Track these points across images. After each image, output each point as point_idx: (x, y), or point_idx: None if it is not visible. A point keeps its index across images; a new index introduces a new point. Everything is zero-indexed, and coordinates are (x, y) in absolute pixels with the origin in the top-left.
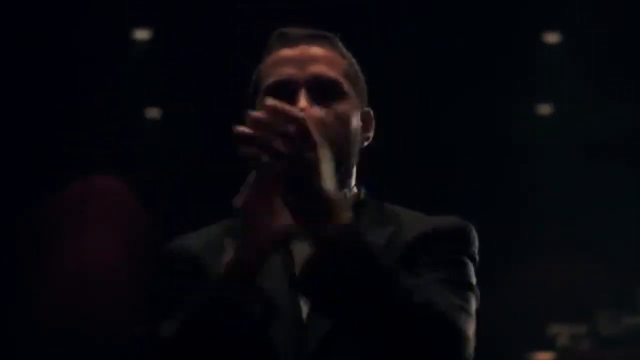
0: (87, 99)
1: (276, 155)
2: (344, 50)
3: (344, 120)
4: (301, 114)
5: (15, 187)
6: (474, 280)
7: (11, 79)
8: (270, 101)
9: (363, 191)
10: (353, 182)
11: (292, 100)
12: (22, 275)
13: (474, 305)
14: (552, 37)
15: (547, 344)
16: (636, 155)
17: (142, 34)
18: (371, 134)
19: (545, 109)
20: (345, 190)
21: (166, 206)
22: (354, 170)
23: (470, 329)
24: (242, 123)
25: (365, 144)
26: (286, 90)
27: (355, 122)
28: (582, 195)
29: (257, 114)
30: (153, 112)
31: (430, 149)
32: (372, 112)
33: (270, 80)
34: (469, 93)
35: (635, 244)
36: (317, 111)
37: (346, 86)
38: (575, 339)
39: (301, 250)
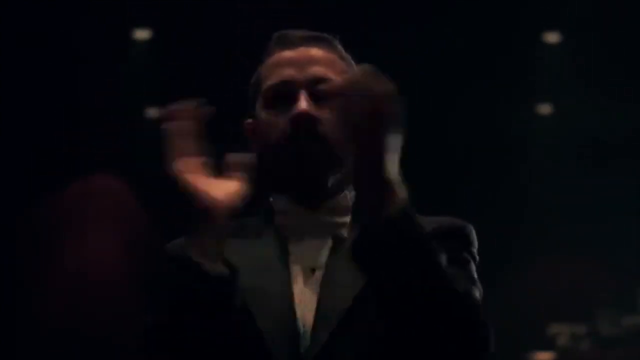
0: (87, 99)
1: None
2: (343, 51)
3: None
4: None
5: (15, 187)
6: (476, 277)
7: (11, 79)
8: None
9: None
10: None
11: (292, 101)
12: (22, 275)
13: (479, 300)
14: (552, 37)
15: (547, 344)
16: (636, 155)
17: (142, 34)
18: None
19: (545, 109)
20: (346, 191)
21: (166, 206)
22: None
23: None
24: (243, 122)
25: None
26: (286, 92)
27: None
28: (582, 195)
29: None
30: (153, 112)
31: (430, 149)
32: None
33: (270, 82)
34: (469, 93)
35: (636, 244)
36: (321, 113)
37: None
38: (575, 338)
39: (302, 249)
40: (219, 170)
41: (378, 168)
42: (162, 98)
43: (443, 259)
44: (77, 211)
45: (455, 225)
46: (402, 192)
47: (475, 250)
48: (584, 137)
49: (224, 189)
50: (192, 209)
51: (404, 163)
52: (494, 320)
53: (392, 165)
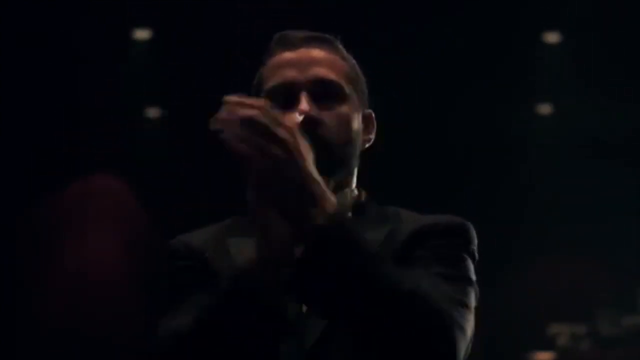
0: (87, 99)
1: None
2: (345, 52)
3: (345, 122)
4: (289, 122)
5: (15, 187)
6: (473, 276)
7: (11, 79)
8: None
9: (364, 193)
10: (354, 184)
11: (294, 103)
12: (22, 275)
13: (472, 299)
14: (552, 37)
15: (547, 344)
16: (636, 155)
17: (142, 34)
18: (372, 136)
19: (545, 109)
20: (346, 190)
21: (166, 206)
22: (355, 172)
23: (467, 321)
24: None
25: (367, 145)
26: (287, 93)
27: (357, 124)
28: (582, 195)
29: (247, 112)
30: (153, 112)
31: (430, 149)
32: (373, 115)
33: (272, 83)
34: (470, 93)
35: (636, 244)
36: (322, 114)
37: (347, 88)
38: (575, 338)
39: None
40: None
41: (300, 183)
42: (162, 98)
43: (387, 259)
44: (77, 211)
45: (453, 222)
46: (329, 200)
47: (474, 248)
48: (584, 137)
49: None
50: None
51: (404, 163)
52: (494, 320)
53: (312, 174)
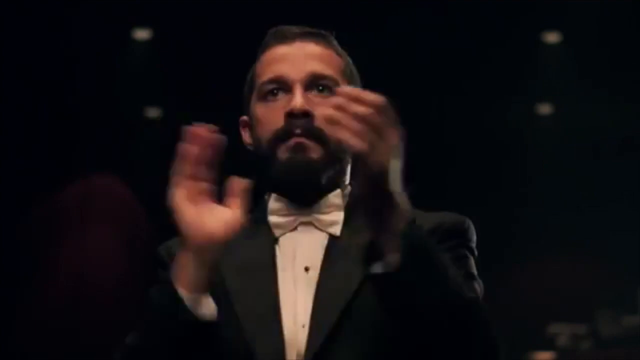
0: (86, 99)
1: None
2: (340, 48)
3: None
4: (383, 101)
5: (14, 187)
6: (476, 272)
7: (10, 79)
8: (348, 89)
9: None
10: (347, 180)
11: (288, 96)
12: (21, 276)
13: (480, 297)
14: (552, 37)
15: (547, 344)
16: (636, 154)
17: (141, 34)
18: None
19: (545, 109)
20: (340, 187)
21: (165, 206)
22: (348, 168)
23: None
24: (242, 117)
25: None
26: (282, 87)
27: None
28: (582, 195)
29: (337, 99)
30: (152, 112)
31: (429, 149)
32: None
33: (266, 77)
34: (468, 92)
35: (636, 243)
36: (316, 109)
37: (343, 84)
38: (575, 338)
39: (294, 247)
40: (220, 193)
41: (389, 181)
42: (161, 98)
43: (451, 266)
44: (77, 211)
45: (454, 220)
46: (405, 203)
47: (474, 244)
48: (584, 137)
49: (221, 218)
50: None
51: (402, 162)
52: (493, 319)
53: (397, 177)
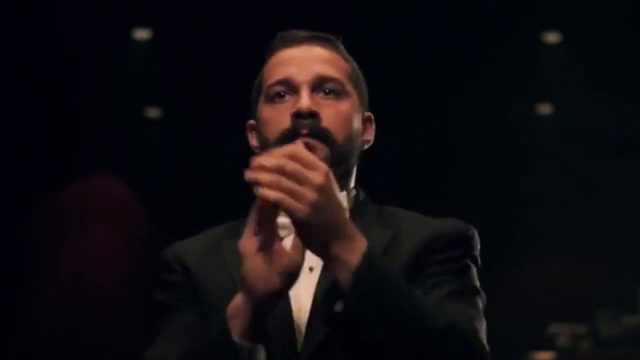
0: (86, 99)
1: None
2: (346, 53)
3: (346, 119)
4: (325, 167)
5: (13, 187)
6: (478, 283)
7: (10, 79)
8: (291, 148)
9: (361, 193)
10: (352, 184)
11: (295, 98)
12: (21, 276)
13: (482, 308)
14: (552, 37)
15: (547, 344)
16: (636, 154)
17: (141, 34)
18: (371, 139)
19: (544, 109)
20: (344, 191)
21: (166, 206)
22: (354, 172)
23: (485, 337)
24: (249, 120)
25: (365, 147)
26: (289, 89)
27: (357, 123)
28: (582, 195)
29: (273, 161)
30: (152, 112)
31: (429, 150)
32: (373, 117)
33: (274, 79)
34: (468, 92)
35: (636, 243)
36: (323, 111)
37: (348, 87)
38: (575, 338)
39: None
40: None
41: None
42: (161, 98)
43: (420, 299)
44: (77, 211)
45: (457, 229)
46: (362, 240)
47: (477, 253)
48: (584, 137)
49: (284, 266)
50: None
51: (401, 162)
52: (493, 319)
53: (345, 216)
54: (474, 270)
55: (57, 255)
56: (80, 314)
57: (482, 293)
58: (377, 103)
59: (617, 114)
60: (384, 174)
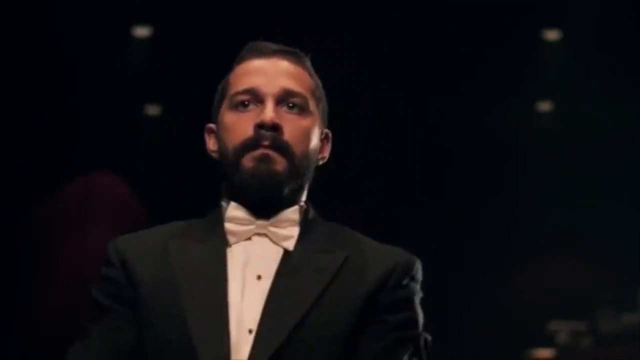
0: (86, 96)
1: None
2: (312, 69)
3: (306, 135)
4: None
5: (12, 185)
6: (420, 320)
7: (9, 77)
8: None
9: (311, 210)
10: (303, 198)
11: (259, 109)
12: (21, 274)
13: (426, 348)
14: (552, 35)
15: (547, 341)
16: (637, 153)
17: (141, 31)
18: (327, 156)
19: (545, 107)
20: (298, 203)
21: (166, 204)
22: (306, 187)
23: None
24: (208, 124)
25: (320, 163)
26: (254, 99)
27: (316, 139)
28: (582, 193)
29: None
30: (153, 109)
31: (428, 147)
32: (330, 135)
33: (240, 87)
34: (468, 90)
35: (636, 242)
36: (285, 124)
37: (312, 103)
38: (575, 336)
39: (247, 256)
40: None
41: None
42: (162, 95)
43: None
44: (77, 209)
45: (408, 265)
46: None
47: (419, 285)
48: (584, 135)
49: None
50: None
51: (401, 160)
52: (494, 317)
53: None
54: (420, 310)
55: (57, 255)
56: (80, 314)
57: (427, 335)
58: (376, 100)
59: (617, 113)
60: (383, 173)
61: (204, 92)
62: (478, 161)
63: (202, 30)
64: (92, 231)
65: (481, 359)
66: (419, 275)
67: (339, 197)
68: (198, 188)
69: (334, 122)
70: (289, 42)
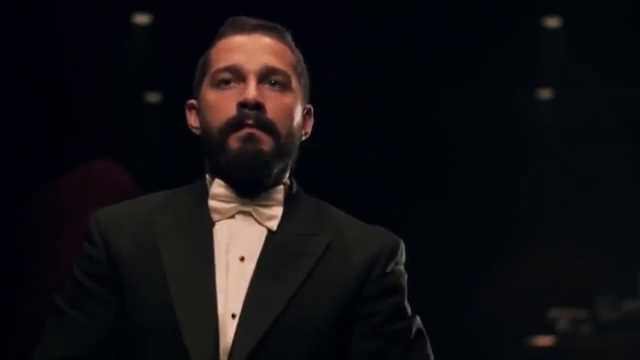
0: (86, 84)
1: None
2: (293, 45)
3: (289, 112)
4: None
5: (12, 174)
6: (407, 305)
7: (9, 66)
8: None
9: (295, 185)
10: (287, 175)
11: (241, 86)
12: (21, 265)
13: (420, 331)
14: (552, 22)
15: (547, 328)
16: (637, 140)
17: (141, 18)
18: (309, 131)
19: (545, 94)
20: (281, 185)
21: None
22: (289, 163)
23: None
24: (189, 100)
25: (303, 139)
26: (236, 76)
27: (299, 116)
28: (582, 180)
29: None
30: (153, 97)
31: (428, 136)
32: (312, 110)
33: (221, 65)
34: (468, 78)
35: (636, 229)
36: (267, 102)
37: (294, 80)
38: (575, 323)
39: (230, 236)
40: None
41: None
42: (162, 83)
43: None
44: (77, 198)
45: (393, 247)
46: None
47: (402, 266)
48: (585, 121)
49: None
50: None
51: (400, 149)
52: (493, 305)
53: None
54: (405, 292)
55: (56, 244)
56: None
57: (415, 317)
58: (375, 89)
59: (618, 100)
60: (380, 159)
61: None
62: (478, 148)
63: (202, 17)
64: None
65: (481, 347)
66: (403, 257)
67: (339, 196)
68: (198, 175)
69: (334, 121)
70: None
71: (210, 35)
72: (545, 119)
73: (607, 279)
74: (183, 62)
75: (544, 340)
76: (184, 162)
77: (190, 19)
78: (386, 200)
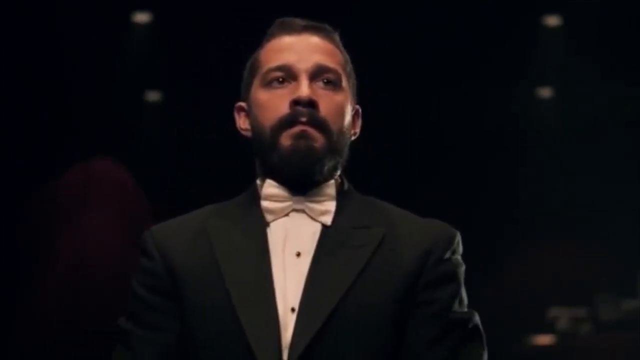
0: (86, 83)
1: None
2: (341, 45)
3: (341, 111)
4: None
5: (12, 173)
6: (465, 296)
7: (9, 65)
8: None
9: (346, 182)
10: (338, 173)
11: (293, 85)
12: (21, 264)
13: (478, 327)
14: (552, 21)
15: (547, 327)
16: (637, 138)
17: (141, 17)
18: (358, 131)
19: (545, 92)
20: (334, 177)
21: (167, 190)
22: (340, 162)
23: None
24: (238, 102)
25: (352, 139)
26: (287, 76)
27: (349, 115)
28: (582, 178)
29: None
30: (153, 95)
31: (428, 136)
32: (360, 110)
33: (273, 64)
34: (468, 77)
35: (637, 227)
36: (320, 100)
37: (344, 79)
38: (575, 322)
39: (286, 233)
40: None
41: None
42: (162, 82)
43: None
44: (77, 197)
45: (449, 238)
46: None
47: (460, 257)
48: (585, 120)
49: None
50: None
51: (399, 147)
52: (493, 303)
53: None
54: (462, 283)
55: (56, 242)
56: (80, 304)
57: (475, 313)
58: (375, 87)
59: (618, 98)
60: (379, 158)
61: (204, 77)
62: (478, 145)
63: (203, 15)
64: (93, 218)
65: None
66: (460, 248)
67: None
68: (198, 173)
69: None
70: None
71: (211, 35)
72: (545, 119)
73: (607, 278)
74: (183, 61)
75: (544, 340)
76: (183, 160)
77: (190, 18)
78: (386, 200)
